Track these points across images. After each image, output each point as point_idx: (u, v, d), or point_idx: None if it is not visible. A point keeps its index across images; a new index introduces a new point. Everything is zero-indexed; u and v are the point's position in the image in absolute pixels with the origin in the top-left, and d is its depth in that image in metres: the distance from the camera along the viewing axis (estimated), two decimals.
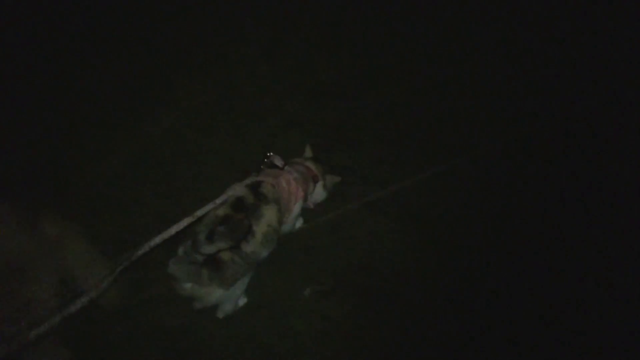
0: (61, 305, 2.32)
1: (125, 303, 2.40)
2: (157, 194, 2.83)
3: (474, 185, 3.05)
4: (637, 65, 3.63)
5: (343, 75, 3.38)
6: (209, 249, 2.04)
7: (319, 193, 2.71)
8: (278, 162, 2.50)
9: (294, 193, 2.44)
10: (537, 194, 3.03)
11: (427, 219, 2.87)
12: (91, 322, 2.33)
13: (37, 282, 2.36)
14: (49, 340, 2.19)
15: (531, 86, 3.52)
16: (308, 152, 2.79)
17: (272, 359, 2.34)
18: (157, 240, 2.05)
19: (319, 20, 3.60)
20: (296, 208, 2.51)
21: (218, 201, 2.23)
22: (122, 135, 3.02)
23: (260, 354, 2.35)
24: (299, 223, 2.77)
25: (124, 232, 2.67)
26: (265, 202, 2.26)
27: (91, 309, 2.28)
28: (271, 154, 2.52)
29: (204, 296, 2.13)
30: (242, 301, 2.46)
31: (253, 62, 3.35)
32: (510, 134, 3.25)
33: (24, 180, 2.77)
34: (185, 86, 3.22)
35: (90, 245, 2.58)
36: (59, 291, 2.37)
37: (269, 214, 2.25)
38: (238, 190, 2.29)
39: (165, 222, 2.63)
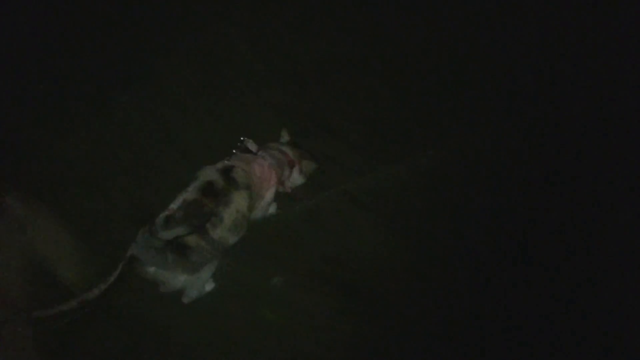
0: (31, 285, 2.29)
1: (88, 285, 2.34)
2: (128, 172, 2.74)
3: (453, 179, 3.00)
4: (625, 62, 3.58)
5: (325, 61, 3.28)
6: (166, 235, 1.98)
7: (295, 178, 2.66)
8: (252, 147, 2.44)
9: (266, 179, 2.38)
10: (520, 191, 3.00)
11: (403, 211, 2.83)
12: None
13: (8, 265, 2.32)
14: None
15: (521, 81, 3.45)
16: (284, 136, 2.72)
17: (237, 348, 2.30)
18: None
19: (304, 3, 3.49)
20: (269, 194, 2.45)
21: (190, 188, 2.16)
22: (95, 111, 2.91)
23: (225, 342, 2.31)
24: (273, 209, 2.71)
25: (92, 211, 2.59)
26: (235, 188, 2.19)
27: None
28: (244, 138, 2.45)
29: (168, 280, 2.07)
30: (210, 287, 2.41)
31: (233, 42, 3.24)
32: (497, 129, 3.19)
33: None
34: (161, 63, 3.11)
35: (58, 225, 2.53)
36: (28, 272, 2.33)
37: (238, 199, 2.19)
38: (209, 174, 2.22)
39: (133, 202, 2.63)
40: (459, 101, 3.27)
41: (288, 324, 2.37)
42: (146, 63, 3.08)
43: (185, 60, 3.13)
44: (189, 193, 2.13)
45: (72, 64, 3.07)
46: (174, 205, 2.07)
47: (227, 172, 2.23)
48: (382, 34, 3.43)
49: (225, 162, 2.31)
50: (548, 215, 2.89)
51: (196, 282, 2.22)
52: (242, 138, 2.45)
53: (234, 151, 2.41)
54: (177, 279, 2.08)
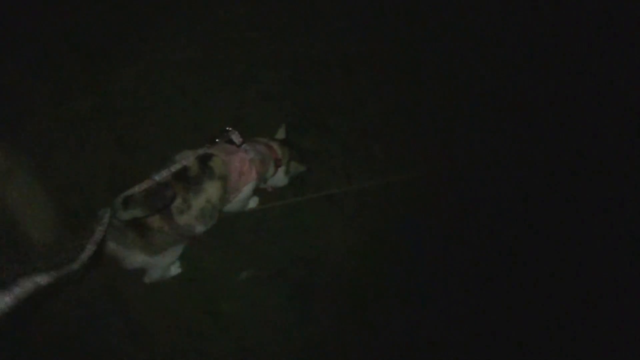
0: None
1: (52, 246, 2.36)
2: (117, 143, 2.74)
3: (444, 197, 2.92)
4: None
5: (329, 56, 3.20)
6: (124, 215, 1.96)
7: (279, 178, 2.61)
8: (236, 138, 2.38)
9: (245, 174, 2.34)
10: (508, 207, 2.93)
11: (383, 224, 2.78)
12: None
13: None
14: None
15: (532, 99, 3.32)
16: (281, 134, 2.67)
17: (188, 335, 2.30)
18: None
19: None
20: (246, 189, 2.40)
21: (164, 171, 2.13)
22: (92, 79, 2.91)
23: (178, 327, 2.31)
24: (254, 203, 2.68)
25: (73, 176, 2.60)
26: (210, 177, 2.15)
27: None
28: (230, 128, 2.39)
29: (126, 258, 2.05)
30: (175, 271, 2.41)
31: (234, 26, 3.18)
32: (499, 149, 3.08)
33: None
34: (161, 40, 3.07)
35: (39, 186, 2.55)
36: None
37: (211, 189, 2.15)
38: (186, 159, 2.19)
39: (117, 173, 2.63)
40: (472, 117, 3.16)
41: (243, 319, 2.35)
42: (150, 39, 3.05)
43: (184, 40, 3.09)
44: (162, 175, 2.10)
45: (79, 29, 3.06)
46: (141, 185, 2.06)
47: (204, 160, 2.19)
48: (401, 33, 3.32)
49: (206, 149, 2.28)
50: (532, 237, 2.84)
51: (158, 264, 2.20)
52: (227, 128, 2.41)
53: (216, 140, 2.37)
54: (135, 258, 2.05)
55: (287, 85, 3.03)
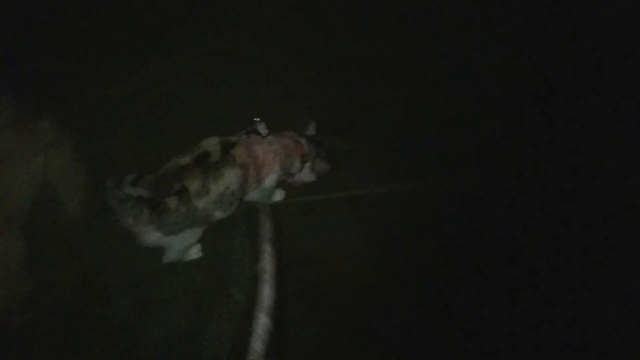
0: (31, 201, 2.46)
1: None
2: (144, 129, 2.84)
3: (469, 205, 2.85)
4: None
5: (370, 58, 3.19)
6: (132, 191, 2.03)
7: (305, 174, 2.64)
8: (262, 129, 2.43)
9: (268, 165, 2.38)
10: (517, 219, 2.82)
11: (402, 231, 2.73)
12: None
13: (18, 176, 2.50)
14: None
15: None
16: (311, 130, 2.70)
17: (198, 314, 2.33)
18: None
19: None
20: (269, 180, 2.44)
21: (187, 154, 2.21)
22: (125, 67, 3.03)
23: (187, 305, 2.35)
24: (280, 196, 2.71)
25: (108, 156, 2.72)
26: (230, 165, 2.21)
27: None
28: (258, 119, 2.45)
29: (140, 234, 2.12)
30: (196, 255, 2.46)
31: (266, 24, 3.22)
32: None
33: (37, 82, 2.86)
34: (195, 34, 3.16)
35: (76, 162, 2.69)
36: (33, 188, 2.50)
37: (230, 176, 2.20)
38: (210, 145, 2.25)
39: (139, 154, 2.72)
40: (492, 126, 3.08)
41: (252, 309, 2.36)
42: (183, 33, 3.15)
43: (217, 36, 3.16)
44: (185, 158, 2.17)
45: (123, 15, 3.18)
46: (168, 165, 2.14)
47: (227, 147, 2.25)
48: (435, 39, 3.28)
49: (231, 137, 2.33)
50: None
51: (175, 245, 2.27)
52: (255, 119, 2.45)
53: (244, 130, 2.42)
54: (149, 235, 2.12)
55: (315, 85, 3.05)
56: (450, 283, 2.56)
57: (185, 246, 2.33)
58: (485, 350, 2.35)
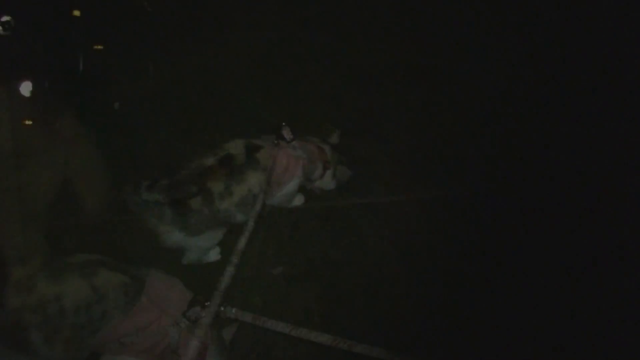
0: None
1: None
2: (172, 124, 2.85)
3: (489, 212, 2.81)
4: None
5: (396, 66, 3.19)
6: (147, 196, 2.03)
7: (327, 181, 2.63)
8: (287, 134, 2.42)
9: (290, 169, 2.37)
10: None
11: (419, 238, 2.71)
12: None
13: (40, 172, 2.52)
14: None
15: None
16: (335, 138, 2.69)
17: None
18: None
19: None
20: (290, 185, 2.43)
21: (211, 155, 2.21)
22: (168, 61, 3.05)
23: None
24: (299, 201, 2.70)
25: (126, 150, 2.73)
26: (254, 168, 2.21)
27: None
28: (284, 124, 2.44)
29: (163, 234, 2.13)
30: (215, 257, 2.44)
31: (290, 31, 3.24)
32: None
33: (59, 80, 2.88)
34: (220, 37, 3.18)
35: (97, 155, 2.70)
36: (58, 188, 2.51)
37: (253, 180, 2.20)
38: (235, 146, 2.25)
39: (164, 150, 2.73)
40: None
41: (268, 314, 2.34)
42: (224, 31, 3.16)
43: (244, 42, 3.18)
44: (209, 159, 2.17)
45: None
46: (193, 165, 2.14)
47: (252, 151, 2.25)
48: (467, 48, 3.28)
49: (256, 141, 2.33)
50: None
51: (196, 246, 2.26)
52: (282, 123, 2.45)
53: (272, 135, 2.41)
54: (172, 236, 2.12)
55: (346, 90, 3.05)
56: (468, 289, 2.54)
57: (206, 247, 2.33)
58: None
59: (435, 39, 3.27)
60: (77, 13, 2.85)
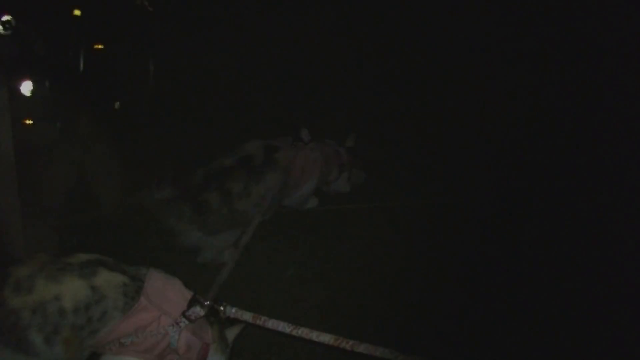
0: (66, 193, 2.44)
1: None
2: (185, 128, 2.83)
3: (501, 219, 2.84)
4: None
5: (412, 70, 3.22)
6: (167, 195, 2.03)
7: (342, 184, 2.65)
8: (305, 136, 2.45)
9: (307, 171, 2.38)
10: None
11: (431, 243, 2.71)
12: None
13: (56, 169, 2.49)
14: None
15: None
16: (350, 141, 2.71)
17: None
18: None
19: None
20: (307, 186, 2.44)
21: (231, 155, 2.21)
22: (173, 65, 3.03)
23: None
24: (313, 203, 2.70)
25: (146, 153, 2.71)
26: (273, 169, 2.22)
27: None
28: (302, 126, 2.46)
29: (181, 233, 2.13)
30: (229, 257, 2.42)
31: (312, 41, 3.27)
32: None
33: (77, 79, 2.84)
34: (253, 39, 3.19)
35: (114, 158, 2.67)
36: (73, 185, 2.48)
37: (271, 180, 2.21)
38: (254, 147, 2.26)
39: (186, 148, 2.70)
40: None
41: (279, 317, 2.33)
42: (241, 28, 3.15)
43: (265, 47, 3.18)
44: (228, 159, 2.17)
45: None
46: (213, 165, 2.14)
47: (270, 151, 2.25)
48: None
49: (274, 142, 2.33)
50: None
51: (211, 245, 2.25)
52: (300, 125, 2.47)
53: (290, 137, 2.42)
54: (191, 235, 2.12)
55: (364, 95, 3.07)
56: (474, 291, 2.57)
57: (221, 247, 2.31)
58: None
59: (447, 49, 3.34)
60: (77, 12, 2.81)
